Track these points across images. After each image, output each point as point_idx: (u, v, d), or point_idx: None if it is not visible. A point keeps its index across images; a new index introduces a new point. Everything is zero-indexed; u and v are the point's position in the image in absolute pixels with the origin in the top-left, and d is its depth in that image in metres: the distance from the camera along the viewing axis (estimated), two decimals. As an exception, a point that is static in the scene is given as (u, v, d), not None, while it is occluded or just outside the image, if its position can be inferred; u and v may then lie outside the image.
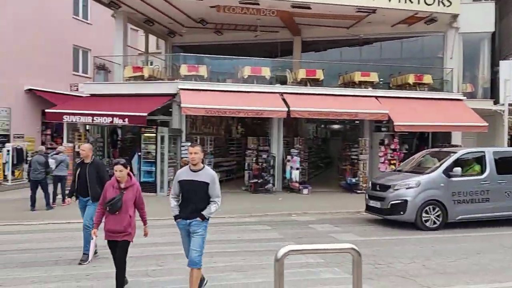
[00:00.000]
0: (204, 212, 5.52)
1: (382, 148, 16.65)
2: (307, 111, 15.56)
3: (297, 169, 16.48)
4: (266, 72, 17.02)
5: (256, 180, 16.20)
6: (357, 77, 17.50)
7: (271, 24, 20.01)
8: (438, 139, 18.72)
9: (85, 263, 7.16)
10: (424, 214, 10.30)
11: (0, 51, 19.03)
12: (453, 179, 10.42)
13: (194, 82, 16.25)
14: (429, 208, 10.31)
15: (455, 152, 11.14)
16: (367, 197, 11.56)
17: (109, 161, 16.89)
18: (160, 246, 8.57)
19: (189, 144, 16.50)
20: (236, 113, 15.08)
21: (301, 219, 12.15)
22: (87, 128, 15.77)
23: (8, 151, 17.68)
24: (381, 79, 18.39)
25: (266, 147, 17.12)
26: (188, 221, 5.56)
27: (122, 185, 5.88)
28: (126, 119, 14.29)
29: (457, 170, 10.40)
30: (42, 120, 21.35)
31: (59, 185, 13.19)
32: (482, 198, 10.51)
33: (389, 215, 10.68)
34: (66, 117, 14.62)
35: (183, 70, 16.41)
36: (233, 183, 19.26)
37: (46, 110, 15.49)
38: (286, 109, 15.29)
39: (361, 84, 17.86)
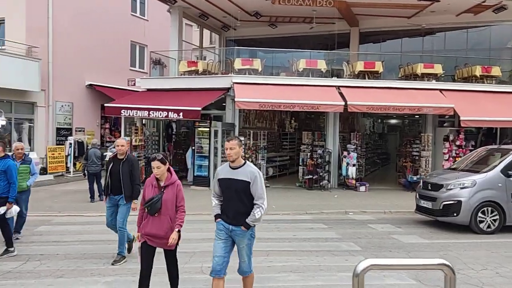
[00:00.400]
0: (248, 220, 4.77)
1: (447, 144, 15.63)
2: (365, 105, 14.89)
3: (354, 165, 15.88)
4: (322, 65, 16.49)
5: (310, 176, 15.78)
6: (420, 69, 16.55)
7: (327, 15, 19.38)
8: (507, 135, 17.38)
9: (118, 263, 6.94)
10: (480, 216, 9.52)
11: (64, 47, 19.75)
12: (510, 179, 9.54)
13: (248, 75, 16.04)
14: (486, 210, 9.52)
15: None
16: (417, 196, 10.83)
17: (164, 155, 17.12)
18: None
19: (242, 138, 16.40)
20: (290, 107, 14.72)
21: (358, 218, 11.63)
22: (144, 122, 16.00)
23: (71, 144, 18.36)
24: (444, 71, 17.29)
25: (321, 142, 16.62)
26: (230, 226, 4.86)
27: (162, 183, 5.21)
28: (181, 114, 14.33)
29: None
30: (101, 114, 22.07)
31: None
32: None
33: (442, 217, 9.93)
34: (124, 111, 14.91)
35: (237, 63, 16.24)
36: (287, 179, 18.94)
37: (105, 105, 15.91)
38: (343, 103, 14.72)
39: (423, 77, 16.88)
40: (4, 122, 16.42)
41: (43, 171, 17.60)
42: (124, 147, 7.12)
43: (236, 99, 14.43)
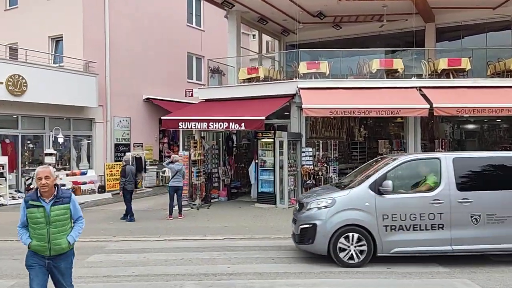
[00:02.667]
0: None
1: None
2: (455, 108, 12.79)
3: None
4: (398, 64, 14.57)
5: (390, 191, 13.78)
6: (516, 64, 14.18)
7: (398, 11, 17.46)
8: None
9: None
10: (342, 243, 7.30)
11: (121, 61, 19.28)
12: (386, 196, 7.30)
13: (315, 80, 14.47)
14: (349, 236, 7.28)
15: (396, 159, 7.84)
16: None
17: (225, 170, 15.86)
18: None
19: (310, 150, 14.81)
20: (366, 112, 12.93)
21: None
22: (202, 135, 14.84)
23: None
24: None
25: (400, 151, 14.64)
26: None
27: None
28: (243, 124, 12.98)
29: (387, 184, 7.25)
30: (159, 128, 21.44)
31: (175, 196, 12.32)
32: (432, 224, 7.23)
33: (299, 244, 7.80)
34: (182, 124, 13.80)
35: (302, 68, 14.72)
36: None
37: (162, 117, 14.92)
38: (428, 106, 12.74)
39: (520, 73, 14.48)
40: (62, 140, 15.95)
41: (102, 189, 16.96)
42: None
43: (303, 106, 12.89)
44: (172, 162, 12.34)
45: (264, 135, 14.04)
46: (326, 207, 7.43)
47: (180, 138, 15.10)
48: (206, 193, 14.41)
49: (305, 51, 17.66)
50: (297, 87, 13.99)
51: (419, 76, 14.98)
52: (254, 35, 32.14)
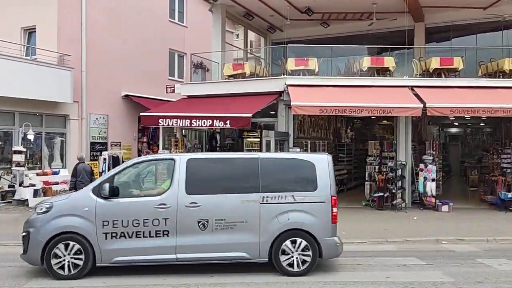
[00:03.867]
0: None
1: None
2: (449, 108, 12.30)
3: (433, 180, 13.25)
4: (389, 62, 14.03)
5: (381, 194, 13.23)
6: (509, 64, 13.77)
7: (388, 9, 16.98)
8: None
9: None
10: (57, 254, 6.54)
11: (98, 55, 18.31)
12: (112, 200, 6.73)
13: (304, 77, 13.81)
14: (69, 245, 6.55)
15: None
16: None
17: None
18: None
19: (297, 150, 14.11)
20: (357, 111, 12.30)
21: (457, 249, 9.10)
22: (184, 133, 14.00)
23: (105, 159, 16.64)
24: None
25: (391, 153, 14.10)
26: None
27: None
28: (228, 122, 12.22)
29: (105, 187, 6.70)
30: (138, 127, 20.52)
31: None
32: (156, 231, 6.65)
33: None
34: (162, 121, 12.93)
35: (290, 64, 14.04)
36: (347, 197, 16.47)
37: (141, 114, 14.00)
38: (421, 105, 12.21)
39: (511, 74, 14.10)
40: (32, 137, 14.91)
41: (75, 190, 15.88)
42: None
43: (292, 103, 12.20)
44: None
45: (250, 134, 13.33)
46: (44, 212, 6.71)
47: (160, 136, 14.21)
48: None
49: (294, 46, 16.96)
50: (285, 84, 13.32)
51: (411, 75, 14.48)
52: (237, 35, 31.42)
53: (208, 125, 12.47)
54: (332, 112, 12.37)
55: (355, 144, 20.25)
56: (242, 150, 13.78)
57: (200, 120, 12.48)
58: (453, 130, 28.96)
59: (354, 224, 11.27)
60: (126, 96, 19.65)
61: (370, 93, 13.08)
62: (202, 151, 14.97)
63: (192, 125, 12.59)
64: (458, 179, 24.18)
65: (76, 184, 11.52)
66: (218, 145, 15.65)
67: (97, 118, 18.60)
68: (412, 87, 13.31)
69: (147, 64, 20.47)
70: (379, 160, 14.07)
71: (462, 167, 23.95)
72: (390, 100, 12.45)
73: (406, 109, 12.21)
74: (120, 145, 19.55)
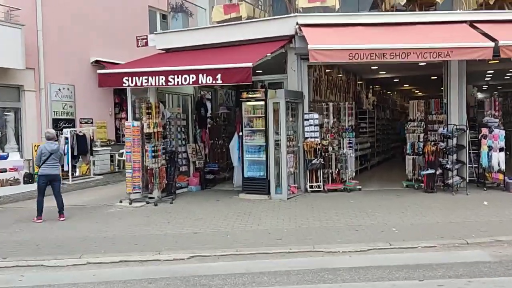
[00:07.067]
0: None
1: None
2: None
3: (501, 150, 9.72)
4: (436, -8, 10.35)
5: (432, 171, 9.66)
6: None
7: None
8: None
9: None
10: None
11: (60, 12, 14.90)
12: None
13: (321, 14, 10.14)
14: None
15: None
16: None
17: (195, 148, 11.46)
18: None
19: (316, 116, 10.57)
20: (402, 55, 8.62)
21: None
22: (161, 98, 10.40)
23: (66, 139, 13.10)
24: None
25: (439, 116, 10.52)
26: None
27: None
28: (219, 75, 8.57)
29: None
30: (115, 100, 17.12)
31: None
32: None
33: None
34: (128, 79, 9.22)
35: (302, 0, 10.33)
36: (377, 176, 13.07)
37: (98, 72, 10.26)
38: (492, 44, 8.61)
39: None
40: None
41: (29, 178, 12.42)
42: None
43: (310, 47, 8.55)
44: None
45: (251, 96, 9.74)
46: None
47: (128, 102, 10.47)
48: (168, 181, 9.99)
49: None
50: (297, 24, 9.65)
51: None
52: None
53: (191, 82, 8.75)
54: (367, 58, 8.63)
55: (377, 111, 16.70)
56: (240, 120, 10.24)
57: (180, 76, 8.80)
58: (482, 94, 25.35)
59: (403, 215, 7.83)
60: (97, 62, 16.06)
61: (415, 33, 9.47)
62: (187, 122, 11.33)
63: (169, 83, 8.91)
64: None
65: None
66: (209, 114, 12.00)
67: (59, 89, 15.04)
68: (471, 22, 9.67)
69: (123, 25, 16.87)
70: (424, 127, 10.49)
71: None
72: (447, 39, 8.82)
73: (472, 49, 8.55)
74: (92, 123, 16.08)
